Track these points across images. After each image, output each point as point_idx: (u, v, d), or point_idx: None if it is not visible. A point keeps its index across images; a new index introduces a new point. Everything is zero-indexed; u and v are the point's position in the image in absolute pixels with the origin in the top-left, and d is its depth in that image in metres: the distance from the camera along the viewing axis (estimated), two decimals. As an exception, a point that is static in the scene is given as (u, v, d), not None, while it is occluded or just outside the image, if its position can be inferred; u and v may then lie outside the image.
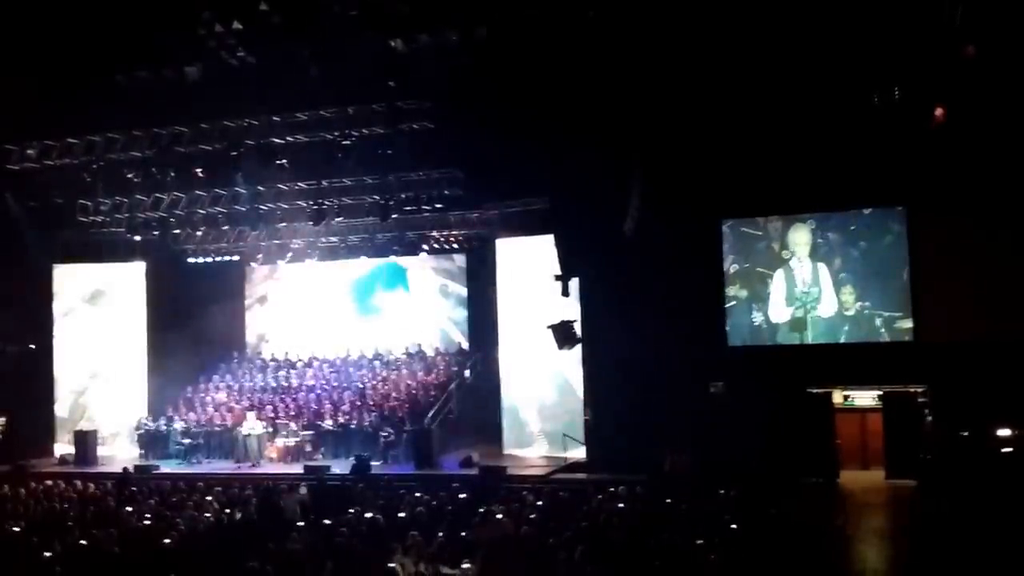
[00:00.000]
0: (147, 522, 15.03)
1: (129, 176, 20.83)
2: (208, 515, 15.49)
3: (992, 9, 12.36)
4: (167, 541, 13.51)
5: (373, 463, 21.42)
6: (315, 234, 25.86)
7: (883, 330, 20.69)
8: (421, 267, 28.54)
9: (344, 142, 19.31)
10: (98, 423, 25.80)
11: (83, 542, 13.60)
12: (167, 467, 23.15)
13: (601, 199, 20.17)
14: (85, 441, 24.62)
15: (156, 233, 24.51)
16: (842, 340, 20.84)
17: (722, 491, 15.51)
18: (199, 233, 25.78)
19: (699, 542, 12.17)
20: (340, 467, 21.46)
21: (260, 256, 27.92)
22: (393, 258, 28.04)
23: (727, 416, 20.17)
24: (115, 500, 17.20)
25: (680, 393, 20.63)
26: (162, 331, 26.51)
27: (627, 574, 11.22)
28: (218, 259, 27.74)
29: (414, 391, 24.80)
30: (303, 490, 17.58)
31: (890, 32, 14.67)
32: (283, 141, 19.91)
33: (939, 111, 14.90)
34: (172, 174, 20.77)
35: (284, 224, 25.02)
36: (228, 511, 15.81)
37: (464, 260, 27.94)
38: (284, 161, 20.22)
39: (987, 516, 14.70)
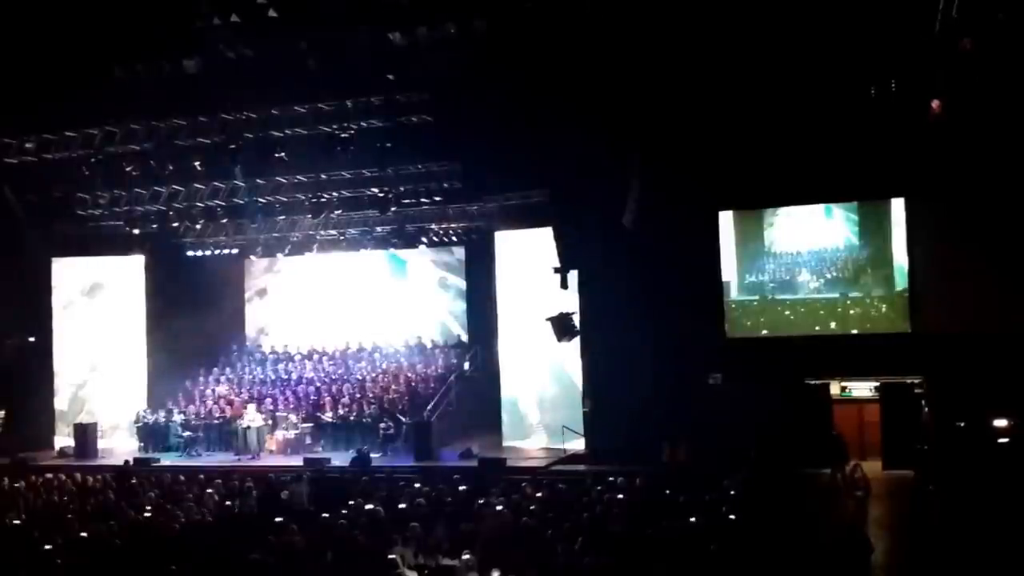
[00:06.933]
0: (147, 515, 15.09)
1: (128, 169, 20.81)
2: (208, 508, 15.56)
3: (989, 2, 12.38)
4: (168, 533, 13.60)
5: (373, 455, 21.47)
6: (314, 227, 25.86)
7: (881, 321, 20.77)
8: (420, 260, 28.57)
9: (343, 135, 19.31)
10: (98, 416, 25.82)
11: (83, 535, 13.66)
12: (167, 460, 23.21)
13: (600, 191, 20.20)
14: (85, 434, 24.67)
15: (155, 226, 24.52)
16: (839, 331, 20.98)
17: (722, 482, 15.58)
18: (198, 226, 25.75)
19: (698, 532, 12.24)
20: (340, 459, 21.52)
21: (259, 249, 27.90)
22: (392, 251, 28.05)
23: (725, 407, 20.24)
24: (115, 493, 17.25)
25: (679, 384, 20.71)
26: (161, 324, 26.49)
27: (626, 565, 11.27)
28: (217, 252, 27.73)
29: (413, 383, 24.84)
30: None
31: (887, 25, 14.69)
32: (282, 134, 19.90)
33: (936, 104, 14.93)
34: (171, 167, 20.78)
35: (283, 217, 25.02)
36: (228, 503, 15.88)
37: (463, 253, 27.96)
38: (283, 154, 20.23)
39: (984, 506, 14.76)
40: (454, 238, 27.26)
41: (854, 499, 14.96)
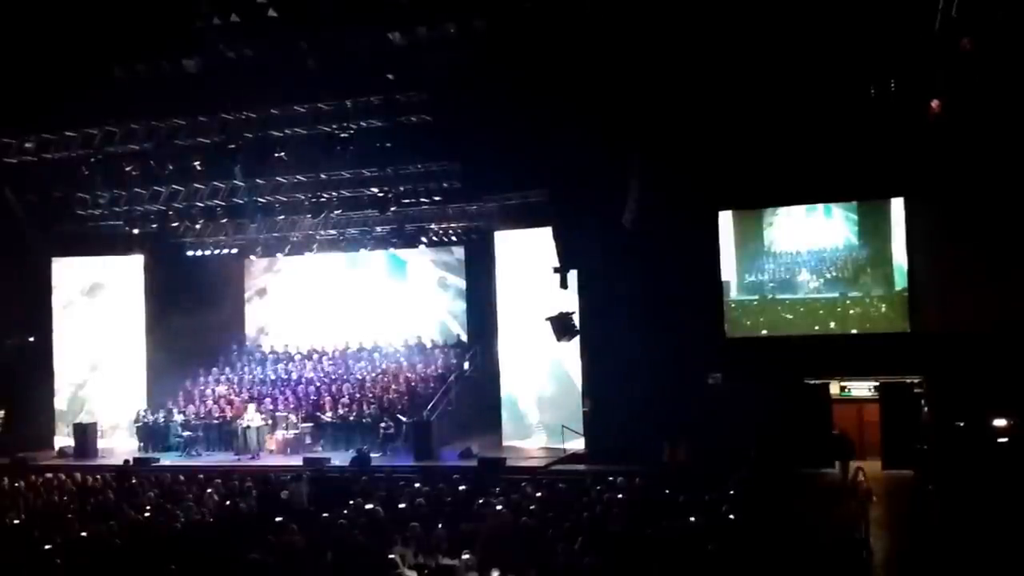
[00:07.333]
0: (147, 515, 15.09)
1: (127, 169, 20.80)
2: (208, 507, 15.56)
3: (989, 2, 12.38)
4: (168, 533, 13.60)
5: (373, 455, 21.48)
6: (314, 227, 25.87)
7: (880, 321, 20.77)
8: (420, 260, 28.59)
9: (342, 135, 19.29)
10: (98, 416, 25.84)
11: (83, 535, 13.66)
12: (167, 459, 23.23)
13: (600, 191, 20.20)
14: (85, 434, 24.70)
15: (155, 226, 24.52)
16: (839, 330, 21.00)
17: (722, 482, 15.60)
18: (198, 226, 25.76)
19: (698, 532, 12.24)
20: (340, 459, 21.53)
21: (259, 249, 27.92)
22: (392, 251, 28.06)
23: (725, 407, 20.25)
24: (115, 493, 17.26)
25: (678, 384, 20.71)
26: (161, 324, 26.52)
27: (626, 564, 11.28)
28: (217, 252, 27.73)
29: (413, 383, 24.86)
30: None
31: (887, 25, 14.69)
32: (281, 134, 19.89)
33: (935, 103, 14.93)
34: (170, 167, 20.76)
35: (283, 217, 25.02)
36: (228, 503, 15.88)
37: (463, 252, 28.01)
38: (283, 154, 20.23)
39: (984, 506, 14.77)
40: (454, 238, 27.29)
41: (857, 501, 14.97)
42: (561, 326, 19.33)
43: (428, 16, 16.05)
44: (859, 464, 17.95)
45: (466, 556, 11.29)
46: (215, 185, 22.93)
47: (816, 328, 21.27)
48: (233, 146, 19.83)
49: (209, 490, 16.73)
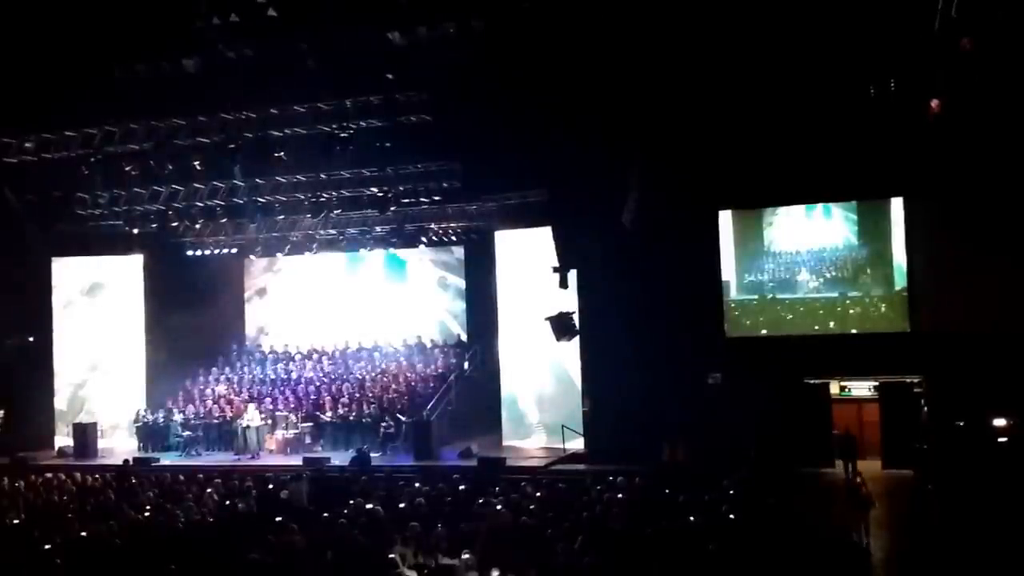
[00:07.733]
0: (147, 514, 15.10)
1: (127, 169, 20.77)
2: (208, 507, 15.57)
3: (989, 2, 12.38)
4: (168, 533, 13.60)
5: (373, 455, 21.48)
6: (314, 227, 25.86)
7: (880, 320, 20.77)
8: (420, 259, 28.60)
9: (342, 135, 19.28)
10: (97, 416, 25.85)
11: (83, 535, 13.67)
12: (167, 459, 23.24)
13: (599, 190, 20.20)
14: (84, 434, 24.72)
15: (154, 226, 24.52)
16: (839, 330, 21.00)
17: (722, 481, 15.59)
18: (197, 226, 25.75)
19: (697, 532, 12.24)
20: (339, 459, 21.53)
21: (259, 248, 27.90)
22: (392, 250, 28.07)
23: (725, 407, 20.26)
24: (115, 493, 17.26)
25: (678, 384, 20.72)
26: (161, 324, 26.53)
27: (626, 564, 11.28)
28: (217, 251, 27.72)
29: (413, 383, 24.86)
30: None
31: (887, 25, 14.70)
32: (281, 134, 19.88)
33: (935, 103, 14.93)
34: (170, 167, 20.72)
35: (283, 216, 25.02)
36: (228, 503, 15.89)
37: (463, 252, 28.02)
38: (282, 154, 20.22)
39: (984, 506, 14.78)
40: (453, 238, 27.30)
41: (858, 505, 14.97)
42: (561, 326, 19.33)
43: (428, 16, 16.05)
44: (859, 471, 17.97)
45: (466, 556, 11.28)
46: (215, 185, 22.92)
47: (816, 328, 21.29)
48: (233, 146, 19.82)
49: (209, 490, 16.73)
